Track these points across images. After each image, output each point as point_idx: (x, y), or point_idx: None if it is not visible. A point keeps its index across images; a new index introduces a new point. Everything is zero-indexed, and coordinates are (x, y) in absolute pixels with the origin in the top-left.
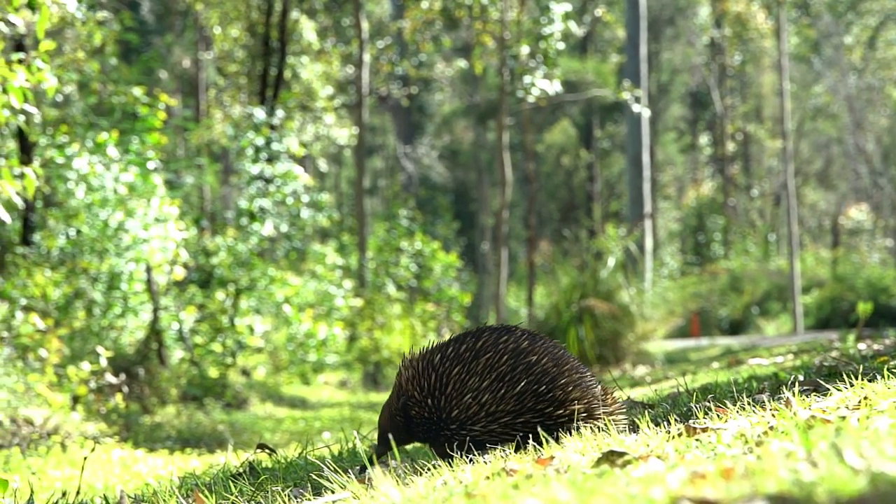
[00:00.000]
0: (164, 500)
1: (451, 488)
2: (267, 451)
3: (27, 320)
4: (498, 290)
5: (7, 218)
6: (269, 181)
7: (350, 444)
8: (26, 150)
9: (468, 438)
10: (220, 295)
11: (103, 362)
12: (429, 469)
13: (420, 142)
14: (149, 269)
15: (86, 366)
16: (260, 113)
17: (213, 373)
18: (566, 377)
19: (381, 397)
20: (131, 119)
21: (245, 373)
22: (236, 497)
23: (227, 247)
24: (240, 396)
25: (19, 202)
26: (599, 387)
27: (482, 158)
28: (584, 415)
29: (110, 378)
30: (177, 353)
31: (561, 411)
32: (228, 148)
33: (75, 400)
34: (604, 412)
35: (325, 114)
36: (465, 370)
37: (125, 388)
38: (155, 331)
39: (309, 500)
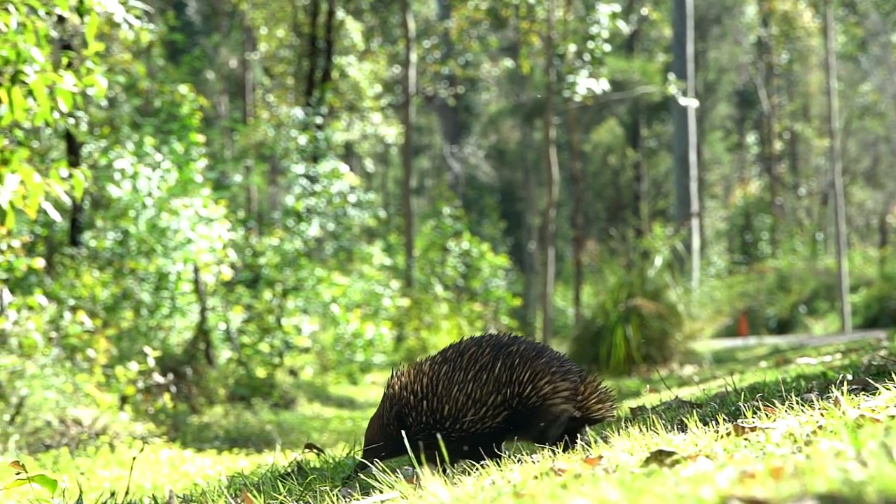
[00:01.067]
0: (213, 500)
1: (499, 488)
2: (315, 450)
3: (75, 320)
4: (545, 289)
5: (57, 217)
6: (314, 180)
7: None
8: (74, 151)
9: (466, 436)
10: (267, 295)
11: (151, 362)
12: (476, 469)
13: (466, 141)
14: (196, 270)
15: (134, 366)
16: (300, 112)
17: (260, 373)
18: (545, 357)
19: None
20: (175, 120)
21: (292, 373)
22: (284, 497)
23: (273, 247)
24: (287, 396)
25: (67, 202)
26: (587, 378)
27: (529, 158)
28: (566, 393)
29: (158, 378)
30: (224, 354)
31: (535, 383)
32: (274, 149)
33: (123, 400)
34: (590, 403)
35: (371, 113)
36: (451, 368)
37: (173, 388)
38: (202, 331)
39: (357, 499)
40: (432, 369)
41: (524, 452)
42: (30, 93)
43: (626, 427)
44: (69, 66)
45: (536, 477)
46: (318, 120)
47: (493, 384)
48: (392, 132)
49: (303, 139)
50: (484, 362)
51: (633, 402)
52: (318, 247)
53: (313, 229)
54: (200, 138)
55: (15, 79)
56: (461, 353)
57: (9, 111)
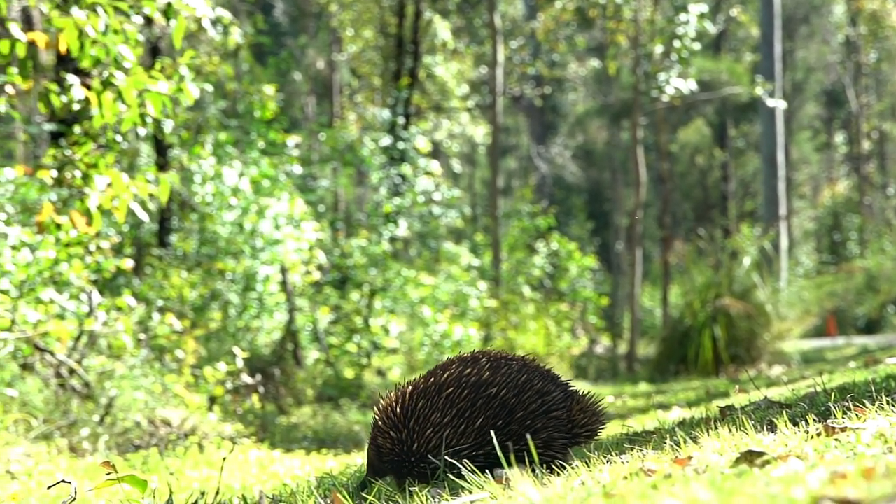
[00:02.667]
0: (303, 501)
1: (589, 488)
2: None
3: (164, 321)
4: (632, 289)
5: (145, 217)
6: (396, 184)
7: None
8: (162, 153)
9: (429, 471)
10: (354, 296)
11: (240, 363)
12: (565, 469)
13: (554, 142)
14: (284, 271)
15: (222, 367)
16: (385, 113)
17: (348, 373)
18: (523, 409)
19: None
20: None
21: (380, 373)
22: (374, 497)
23: (360, 248)
24: (375, 397)
25: (153, 206)
26: (576, 401)
27: (616, 158)
28: (545, 437)
29: (246, 379)
30: (312, 354)
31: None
32: (357, 153)
33: (212, 401)
34: (580, 419)
35: (459, 113)
36: (428, 404)
37: (261, 389)
38: (290, 332)
39: (447, 500)
40: (411, 399)
41: (613, 452)
42: (119, 96)
43: (716, 427)
44: (161, 70)
45: (626, 477)
46: (401, 120)
47: (475, 438)
48: (480, 132)
49: (386, 140)
50: (461, 408)
51: (721, 403)
52: (404, 248)
53: (401, 229)
54: (293, 141)
55: (106, 83)
56: (440, 389)
57: (99, 114)
